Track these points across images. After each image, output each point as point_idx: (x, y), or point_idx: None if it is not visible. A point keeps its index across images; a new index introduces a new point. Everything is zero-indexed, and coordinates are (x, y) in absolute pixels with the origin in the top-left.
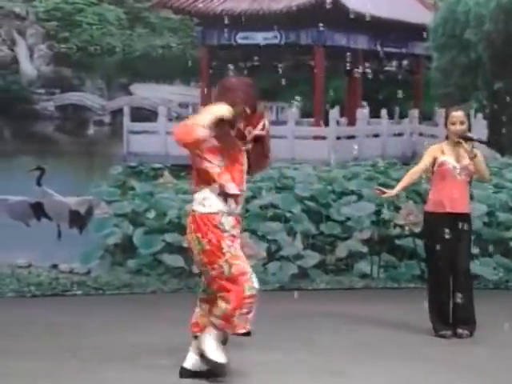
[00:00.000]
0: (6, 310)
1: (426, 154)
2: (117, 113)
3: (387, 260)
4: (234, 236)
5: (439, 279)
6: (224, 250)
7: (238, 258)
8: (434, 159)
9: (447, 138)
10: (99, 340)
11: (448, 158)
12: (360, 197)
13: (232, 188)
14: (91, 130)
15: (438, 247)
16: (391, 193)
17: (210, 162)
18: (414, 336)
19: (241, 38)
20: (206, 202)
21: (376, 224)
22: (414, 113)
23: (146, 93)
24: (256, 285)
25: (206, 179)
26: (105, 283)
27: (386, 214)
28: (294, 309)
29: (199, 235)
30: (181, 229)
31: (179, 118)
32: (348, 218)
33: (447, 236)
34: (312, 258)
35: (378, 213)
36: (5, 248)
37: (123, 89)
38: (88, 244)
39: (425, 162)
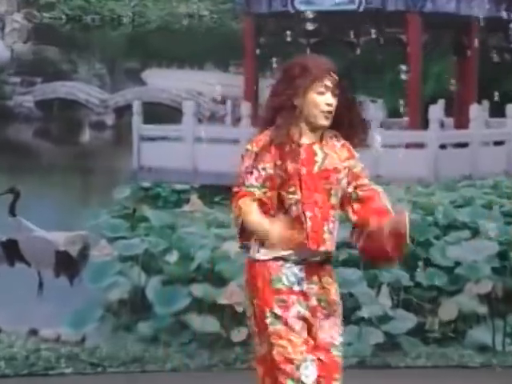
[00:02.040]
0: None
1: None
2: (123, 111)
3: None
4: (300, 294)
5: None
6: (267, 321)
7: (286, 335)
8: None
9: None
10: None
11: None
12: (476, 232)
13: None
14: (87, 136)
15: None
16: None
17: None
18: None
19: (301, 3)
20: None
21: (500, 272)
22: None
23: (165, 82)
24: (309, 380)
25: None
26: (106, 357)
27: None
28: None
29: (250, 293)
30: (214, 278)
31: (214, 118)
32: (458, 263)
33: None
34: (405, 321)
35: (502, 256)
36: None
37: (132, 76)
38: (82, 300)
39: None
